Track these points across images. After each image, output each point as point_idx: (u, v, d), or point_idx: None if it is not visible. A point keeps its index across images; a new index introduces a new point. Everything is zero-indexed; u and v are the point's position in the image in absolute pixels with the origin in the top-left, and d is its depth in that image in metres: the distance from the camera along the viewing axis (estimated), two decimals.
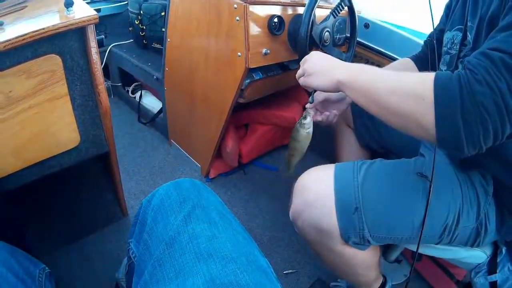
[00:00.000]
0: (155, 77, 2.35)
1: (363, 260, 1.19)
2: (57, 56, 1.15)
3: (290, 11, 1.67)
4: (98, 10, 3.02)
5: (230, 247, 0.71)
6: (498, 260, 1.16)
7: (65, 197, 1.79)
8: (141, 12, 2.59)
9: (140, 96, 2.83)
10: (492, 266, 1.17)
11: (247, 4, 1.45)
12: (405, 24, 2.20)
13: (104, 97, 1.26)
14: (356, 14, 1.76)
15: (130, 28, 2.83)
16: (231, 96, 1.70)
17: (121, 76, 2.96)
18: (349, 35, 1.84)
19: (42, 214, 1.72)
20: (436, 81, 0.77)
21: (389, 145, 1.53)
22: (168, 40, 2.04)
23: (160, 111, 2.60)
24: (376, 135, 1.53)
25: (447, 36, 1.20)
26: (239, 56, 1.54)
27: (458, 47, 1.11)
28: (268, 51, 1.58)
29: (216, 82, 1.78)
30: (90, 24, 1.13)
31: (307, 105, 1.27)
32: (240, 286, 0.64)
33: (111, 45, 2.85)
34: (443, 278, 1.62)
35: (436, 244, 1.13)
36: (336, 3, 1.62)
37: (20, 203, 1.66)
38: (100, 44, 2.84)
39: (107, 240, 1.74)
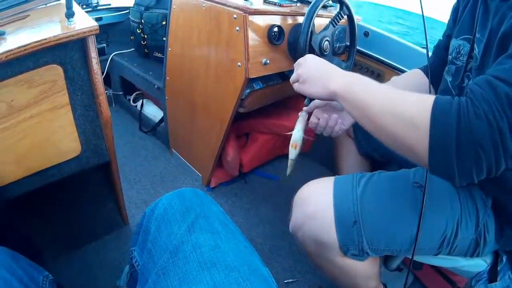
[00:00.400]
0: (156, 86, 2.36)
1: (363, 271, 1.19)
2: (59, 66, 1.15)
3: (289, 20, 1.68)
4: (99, 19, 3.05)
5: (233, 257, 0.72)
6: (499, 268, 1.15)
7: (67, 205, 1.79)
8: (143, 21, 2.61)
9: (142, 105, 2.84)
10: (492, 274, 1.16)
11: (247, 15, 1.46)
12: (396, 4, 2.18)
13: (105, 107, 1.27)
14: (356, 22, 1.77)
15: (131, 37, 2.85)
16: (231, 106, 1.71)
17: (122, 84, 2.97)
18: (348, 43, 1.85)
19: (43, 222, 1.72)
20: (434, 110, 0.73)
21: (389, 154, 1.52)
22: (169, 49, 2.04)
23: (161, 120, 2.60)
24: (377, 144, 1.52)
25: (453, 43, 1.18)
26: (239, 66, 1.55)
27: (465, 58, 1.09)
28: (268, 61, 1.58)
29: (217, 91, 1.79)
30: (91, 35, 1.14)
31: (304, 108, 1.27)
32: None
33: (113, 54, 2.87)
34: (444, 286, 1.62)
35: (435, 255, 1.13)
36: (336, 12, 1.63)
37: (22, 211, 1.66)
38: (102, 52, 2.86)
39: (108, 248, 1.74)
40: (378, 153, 1.55)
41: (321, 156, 2.06)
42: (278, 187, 2.35)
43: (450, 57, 1.19)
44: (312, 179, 1.20)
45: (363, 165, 1.64)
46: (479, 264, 1.16)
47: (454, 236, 1.06)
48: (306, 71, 1.09)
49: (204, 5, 1.66)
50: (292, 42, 1.65)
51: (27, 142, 1.18)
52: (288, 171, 1.31)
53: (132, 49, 2.95)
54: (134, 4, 2.75)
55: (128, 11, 3.01)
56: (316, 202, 1.11)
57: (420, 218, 0.96)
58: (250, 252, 0.78)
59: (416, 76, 1.41)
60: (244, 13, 1.46)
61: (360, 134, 1.56)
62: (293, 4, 1.80)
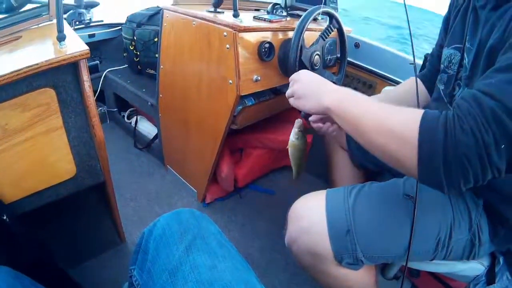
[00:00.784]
0: (149, 103, 2.36)
1: (359, 280, 1.19)
2: (52, 90, 1.17)
3: (280, 35, 1.69)
4: (92, 35, 3.07)
5: (230, 276, 0.73)
6: (496, 270, 1.16)
7: (64, 224, 1.79)
8: (135, 38, 2.63)
9: (136, 122, 2.84)
10: (490, 276, 1.17)
11: (237, 32, 1.47)
12: None
13: (98, 129, 1.27)
14: (346, 34, 1.79)
15: (124, 54, 2.86)
16: (224, 123, 1.71)
17: (116, 101, 2.97)
18: (339, 55, 1.86)
19: (40, 241, 1.73)
20: (422, 126, 0.76)
21: (383, 164, 1.53)
22: (161, 66, 2.06)
23: (156, 136, 2.61)
24: (370, 154, 1.53)
25: (445, 53, 1.21)
26: (231, 83, 1.56)
27: (456, 67, 1.12)
28: (259, 78, 1.59)
29: (209, 108, 1.80)
30: (82, 59, 1.15)
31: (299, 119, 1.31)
32: None
33: (106, 71, 2.87)
34: None
35: (431, 260, 1.14)
36: (325, 26, 1.65)
37: (19, 231, 1.67)
38: (95, 69, 2.87)
39: (105, 265, 1.74)
40: (372, 163, 1.57)
41: (316, 168, 2.07)
42: (274, 201, 2.35)
43: (442, 66, 1.22)
44: (307, 192, 1.22)
45: (357, 176, 1.65)
46: (476, 267, 1.17)
47: (448, 238, 1.07)
48: (300, 87, 1.11)
49: (194, 22, 1.67)
50: (283, 58, 1.66)
51: (22, 165, 1.19)
52: (294, 174, 1.37)
53: (125, 65, 2.96)
54: (126, 21, 2.76)
55: (120, 27, 3.01)
56: (309, 216, 1.13)
57: (412, 228, 0.98)
58: (246, 270, 0.79)
59: (412, 84, 1.43)
60: (234, 30, 1.47)
61: (353, 144, 1.57)
62: (283, 19, 1.81)
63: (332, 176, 1.75)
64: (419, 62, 1.63)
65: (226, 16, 1.62)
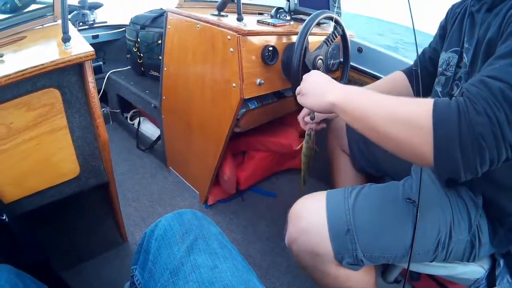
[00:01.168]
0: (152, 105, 2.37)
1: (359, 281, 1.20)
2: (56, 90, 1.18)
3: (283, 40, 1.69)
4: (96, 36, 3.08)
5: (230, 276, 0.73)
6: (497, 273, 1.16)
7: (66, 223, 1.80)
8: (139, 40, 2.64)
9: (139, 123, 2.85)
10: (491, 279, 1.18)
11: (241, 36, 1.47)
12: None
13: (102, 130, 1.28)
14: (349, 39, 1.79)
15: (128, 55, 2.87)
16: (227, 126, 1.72)
17: (119, 102, 2.98)
18: (342, 59, 1.87)
19: (43, 240, 1.73)
20: (435, 109, 0.76)
21: (385, 169, 1.55)
22: (165, 68, 2.06)
23: (159, 138, 2.62)
24: (372, 159, 1.55)
25: (443, 57, 1.23)
26: (234, 86, 1.56)
27: (454, 69, 1.14)
28: (263, 81, 1.59)
29: (212, 111, 1.80)
30: (87, 60, 1.16)
31: (308, 122, 1.30)
32: None
33: (109, 72, 2.88)
34: None
35: (432, 261, 1.15)
36: (330, 32, 1.65)
37: (22, 230, 1.67)
38: (99, 70, 2.88)
39: (107, 265, 1.75)
40: (373, 168, 1.58)
41: (318, 171, 2.07)
42: (276, 203, 2.35)
43: (440, 69, 1.24)
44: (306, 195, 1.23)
45: (359, 180, 1.66)
46: (477, 270, 1.18)
47: (448, 238, 1.08)
48: (307, 86, 1.12)
49: (198, 26, 1.68)
50: (286, 61, 1.67)
51: (26, 164, 1.21)
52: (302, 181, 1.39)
53: (129, 67, 2.97)
54: (130, 22, 2.77)
55: (124, 29, 3.03)
56: (309, 216, 1.14)
57: (414, 232, 0.99)
58: (247, 271, 0.79)
59: (399, 78, 1.50)
60: (238, 34, 1.47)
61: (356, 149, 1.58)
62: (287, 23, 1.82)
63: (333, 179, 1.76)
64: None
65: (230, 20, 1.62)
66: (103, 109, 3.03)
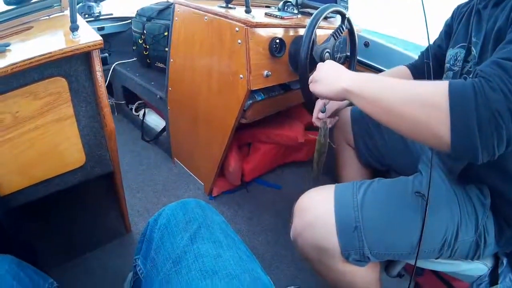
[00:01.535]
0: (158, 96, 2.37)
1: (363, 277, 1.19)
2: (63, 79, 1.18)
3: (291, 32, 1.69)
4: (101, 28, 3.08)
5: (234, 265, 0.73)
6: (500, 271, 1.16)
7: (71, 213, 1.81)
8: (145, 31, 2.63)
9: (144, 114, 2.85)
10: (493, 277, 1.17)
11: (249, 28, 1.47)
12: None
13: (109, 119, 1.28)
14: (356, 34, 1.79)
15: (133, 47, 2.86)
16: (233, 117, 1.72)
17: (124, 94, 2.98)
18: (349, 53, 1.87)
19: (47, 230, 1.73)
20: (451, 89, 0.76)
21: (390, 163, 1.55)
22: (171, 60, 2.06)
23: (164, 129, 2.62)
24: (377, 153, 1.55)
25: (450, 53, 1.23)
26: (241, 78, 1.56)
27: (461, 63, 1.14)
28: (270, 73, 1.59)
29: (219, 103, 1.80)
30: (95, 49, 1.16)
31: (320, 115, 1.33)
32: None
33: (115, 64, 2.88)
34: None
35: (436, 258, 1.14)
36: (337, 26, 1.65)
37: (26, 219, 1.68)
38: (104, 62, 2.87)
39: (111, 255, 1.75)
40: (378, 162, 1.58)
41: (323, 166, 2.06)
42: (280, 195, 2.35)
43: (447, 65, 1.24)
44: (314, 187, 1.22)
45: (364, 174, 1.66)
46: (480, 267, 1.17)
47: (454, 239, 1.08)
48: (319, 73, 1.13)
49: (206, 17, 1.68)
50: (293, 54, 1.66)
51: (32, 153, 1.21)
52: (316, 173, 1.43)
53: (134, 59, 2.96)
54: (136, 14, 2.75)
55: (130, 21, 3.03)
56: (316, 210, 1.13)
57: (422, 227, 0.99)
58: (251, 260, 0.79)
59: (402, 72, 1.52)
60: (246, 26, 1.47)
61: (361, 143, 1.58)
62: (294, 16, 1.82)
63: (339, 173, 1.76)
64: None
65: (238, 12, 1.62)
66: (108, 100, 3.01)
